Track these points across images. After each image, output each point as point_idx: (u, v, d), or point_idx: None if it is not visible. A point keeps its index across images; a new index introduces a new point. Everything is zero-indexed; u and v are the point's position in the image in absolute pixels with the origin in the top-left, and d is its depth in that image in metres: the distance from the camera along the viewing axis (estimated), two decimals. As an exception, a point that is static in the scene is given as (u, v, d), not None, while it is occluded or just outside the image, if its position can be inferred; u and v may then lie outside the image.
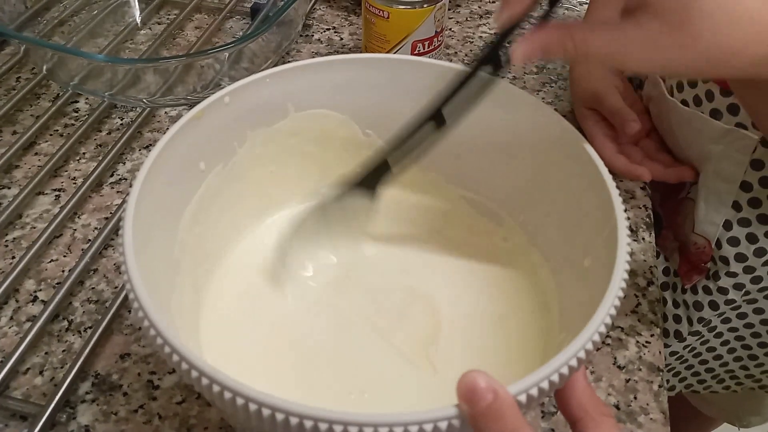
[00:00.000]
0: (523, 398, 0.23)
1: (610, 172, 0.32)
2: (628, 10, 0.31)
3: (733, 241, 0.50)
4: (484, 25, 0.71)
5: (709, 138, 0.48)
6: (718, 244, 0.50)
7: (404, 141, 0.36)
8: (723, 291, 0.52)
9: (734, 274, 0.51)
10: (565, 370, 0.23)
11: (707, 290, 0.53)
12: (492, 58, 0.34)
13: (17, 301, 0.43)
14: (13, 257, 0.46)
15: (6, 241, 0.47)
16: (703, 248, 0.52)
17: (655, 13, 0.29)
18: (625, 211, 0.30)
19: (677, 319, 0.56)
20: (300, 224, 0.39)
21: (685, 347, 0.58)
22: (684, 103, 0.49)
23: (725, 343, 0.57)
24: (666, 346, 0.59)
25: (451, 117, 0.35)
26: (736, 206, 0.49)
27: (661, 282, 0.58)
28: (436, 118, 0.35)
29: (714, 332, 0.56)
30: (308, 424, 0.21)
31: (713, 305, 0.53)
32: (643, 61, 0.30)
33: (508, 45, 0.33)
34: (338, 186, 0.38)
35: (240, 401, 0.22)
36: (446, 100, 0.35)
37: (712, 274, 0.52)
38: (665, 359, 0.60)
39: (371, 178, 0.38)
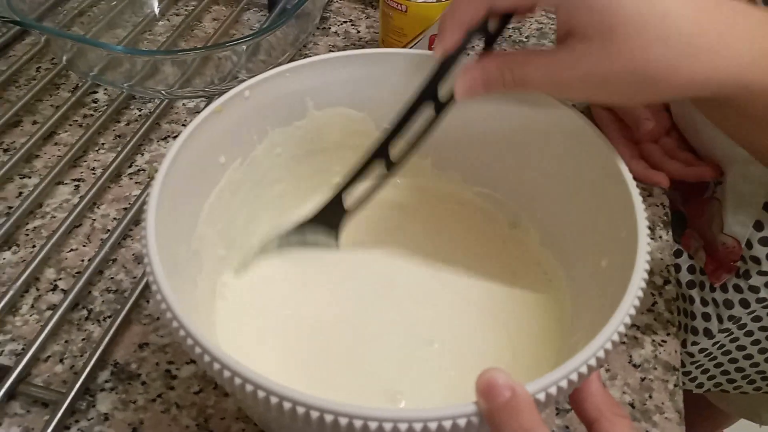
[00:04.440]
0: (542, 396, 0.23)
1: None
2: (560, 38, 0.31)
3: (765, 241, 0.49)
4: (501, 19, 0.71)
5: None
6: (749, 244, 0.50)
7: (354, 179, 0.37)
8: (754, 289, 0.52)
9: (766, 273, 0.51)
10: (584, 370, 0.24)
11: (738, 288, 0.53)
12: (432, 94, 0.34)
13: (38, 289, 0.44)
14: (34, 246, 0.46)
15: (27, 230, 0.48)
16: (732, 248, 0.51)
17: (582, 34, 0.29)
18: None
19: (706, 317, 0.56)
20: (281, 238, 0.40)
21: (714, 344, 0.58)
22: None
23: (756, 342, 0.57)
24: (695, 343, 0.58)
25: (399, 156, 0.36)
26: (767, 207, 0.48)
27: (686, 280, 0.57)
28: (385, 157, 0.36)
29: (744, 330, 0.56)
30: (329, 418, 0.22)
31: (744, 303, 0.53)
32: (580, 88, 0.30)
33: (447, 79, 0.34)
34: (299, 226, 0.40)
35: (261, 394, 0.23)
36: (392, 137, 0.35)
37: (742, 272, 0.52)
38: (694, 356, 0.60)
39: (326, 216, 0.39)
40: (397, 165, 0.37)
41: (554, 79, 0.31)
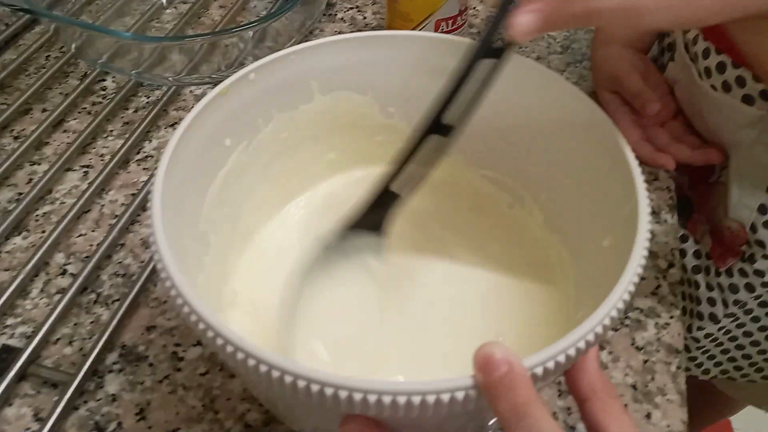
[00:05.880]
0: (539, 371, 0.23)
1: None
2: None
3: None
4: (508, 5, 0.70)
5: (742, 124, 0.47)
6: (753, 228, 0.50)
7: (407, 161, 0.32)
8: (760, 273, 0.52)
9: None
10: (582, 345, 0.24)
11: (743, 273, 0.53)
12: (489, 45, 0.30)
13: (47, 273, 0.44)
14: (44, 231, 0.47)
15: (37, 215, 0.48)
16: (737, 232, 0.51)
17: None
18: (648, 192, 0.30)
19: (711, 302, 0.56)
20: (305, 272, 0.34)
21: (720, 329, 0.58)
22: (713, 88, 0.48)
23: (763, 328, 0.57)
24: (700, 329, 0.58)
25: (457, 120, 0.31)
26: None
27: (692, 265, 0.57)
28: (439, 128, 0.31)
29: (750, 315, 0.56)
30: (329, 391, 0.22)
31: (749, 287, 0.53)
32: (661, 11, 0.28)
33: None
34: (340, 226, 0.34)
35: (263, 368, 0.23)
36: (445, 106, 0.31)
37: (747, 256, 0.52)
38: (700, 342, 0.60)
39: (376, 213, 0.34)
40: (456, 129, 0.31)
41: (633, 4, 0.28)
